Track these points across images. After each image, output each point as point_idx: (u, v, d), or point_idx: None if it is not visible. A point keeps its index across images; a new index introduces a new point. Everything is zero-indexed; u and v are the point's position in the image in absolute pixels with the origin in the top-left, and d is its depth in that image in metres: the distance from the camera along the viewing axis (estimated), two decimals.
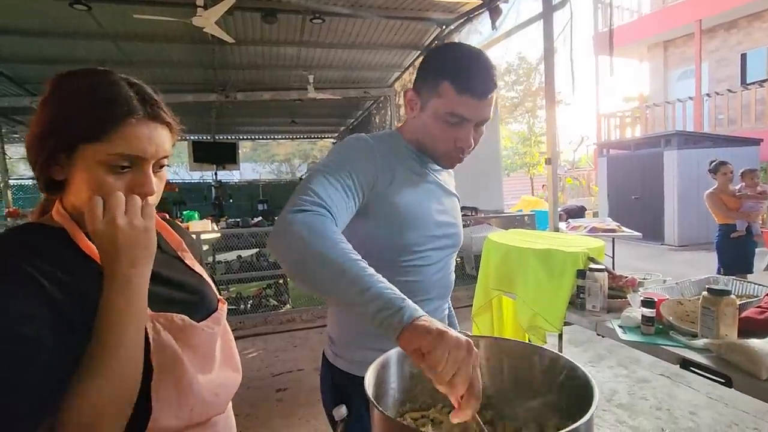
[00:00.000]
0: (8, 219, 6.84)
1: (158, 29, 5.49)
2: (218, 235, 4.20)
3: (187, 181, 14.90)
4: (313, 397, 2.67)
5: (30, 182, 14.96)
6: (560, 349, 2.33)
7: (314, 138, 14.72)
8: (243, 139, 13.47)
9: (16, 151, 14.67)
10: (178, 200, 10.10)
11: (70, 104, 0.64)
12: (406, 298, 0.59)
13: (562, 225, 5.30)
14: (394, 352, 0.68)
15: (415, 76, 0.93)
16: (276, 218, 0.76)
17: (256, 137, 13.99)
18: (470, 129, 0.88)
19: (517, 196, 14.53)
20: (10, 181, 11.26)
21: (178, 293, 0.73)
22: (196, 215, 5.72)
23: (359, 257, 0.65)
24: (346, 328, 0.97)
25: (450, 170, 1.10)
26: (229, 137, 12.67)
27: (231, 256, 4.06)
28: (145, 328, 0.63)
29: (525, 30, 5.22)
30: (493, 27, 5.21)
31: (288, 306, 3.98)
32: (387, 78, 8.18)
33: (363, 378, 0.90)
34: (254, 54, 6.76)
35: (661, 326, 1.52)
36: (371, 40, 6.42)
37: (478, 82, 0.85)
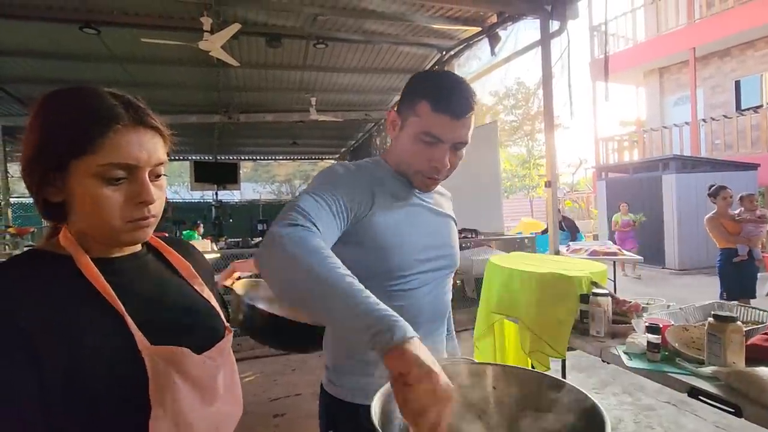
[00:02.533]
0: (7, 237, 6.80)
1: (165, 53, 5.61)
2: (218, 255, 4.18)
3: (187, 201, 14.93)
4: (310, 424, 2.60)
5: (30, 200, 14.92)
6: (564, 375, 2.29)
7: (315, 159, 14.86)
8: (244, 159, 13.60)
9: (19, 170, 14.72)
10: (178, 219, 10.11)
11: (54, 122, 0.62)
12: (398, 316, 0.56)
13: (562, 248, 5.29)
14: None
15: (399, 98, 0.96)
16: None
17: (258, 158, 14.14)
18: (445, 150, 0.88)
19: (516, 218, 14.57)
20: (11, 199, 11.29)
21: (184, 319, 0.71)
22: (196, 235, 5.71)
23: (349, 273, 0.62)
24: (337, 353, 0.96)
25: (444, 192, 1.10)
26: (231, 158, 12.79)
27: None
28: (144, 362, 0.61)
29: (524, 56, 5.34)
30: (492, 53, 5.34)
31: None
32: (388, 101, 8.32)
33: (352, 405, 0.89)
34: (258, 77, 6.89)
35: (666, 353, 1.50)
36: (373, 64, 6.56)
37: (454, 102, 0.86)
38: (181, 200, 15.33)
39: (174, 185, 20.23)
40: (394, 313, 0.56)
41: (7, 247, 6.95)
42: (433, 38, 5.84)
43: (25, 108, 7.95)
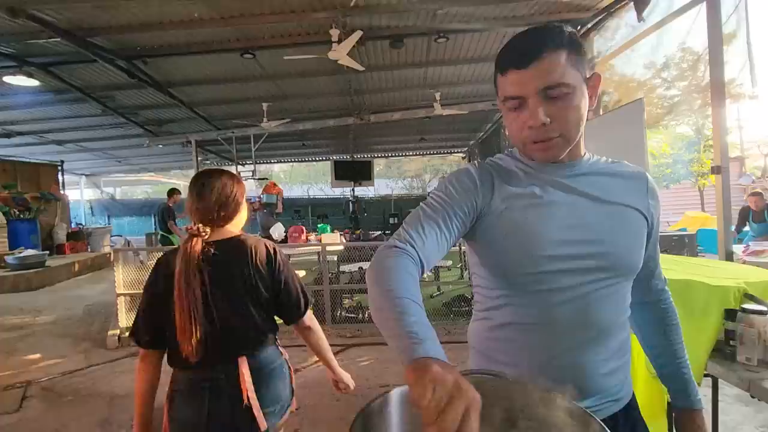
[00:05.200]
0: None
1: (305, 66, 6.32)
2: (341, 247, 4.58)
3: (329, 197, 16.58)
4: None
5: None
6: (715, 406, 1.88)
7: (444, 153, 14.88)
8: (377, 157, 14.42)
9: None
10: (322, 213, 11.31)
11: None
12: (423, 336, 0.57)
13: (737, 248, 4.27)
14: (394, 394, 0.64)
15: None
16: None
17: (389, 155, 14.82)
18: (534, 105, 0.76)
19: (680, 212, 12.18)
20: None
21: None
22: (328, 228, 6.35)
23: (408, 296, 0.64)
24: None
25: (623, 170, 0.87)
26: (365, 156, 13.70)
27: (355, 267, 4.39)
28: None
29: (684, 16, 4.43)
30: (640, 19, 4.56)
31: None
32: None
33: None
34: (383, 78, 7.23)
35: None
36: (498, 51, 6.26)
37: (515, 52, 0.77)
38: (324, 197, 17.09)
39: (319, 183, 22.64)
40: (419, 335, 0.57)
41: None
42: (564, 13, 5.29)
43: (209, 125, 9.87)
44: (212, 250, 1.25)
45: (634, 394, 0.89)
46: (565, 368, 0.78)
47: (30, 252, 7.66)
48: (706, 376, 1.50)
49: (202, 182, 1.32)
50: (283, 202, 8.06)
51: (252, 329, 1.29)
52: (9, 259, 7.31)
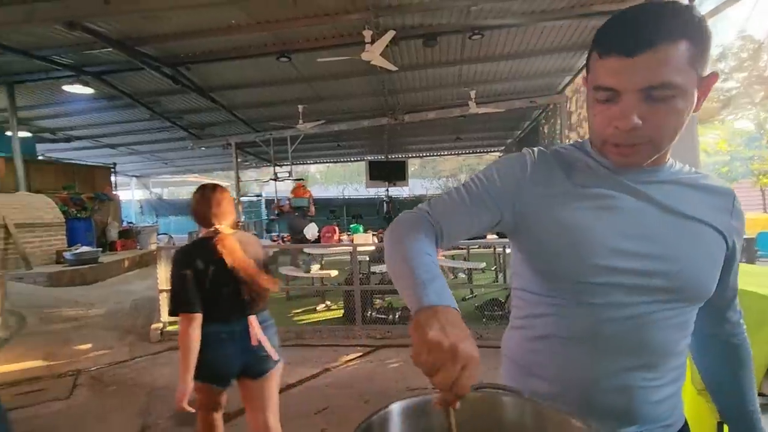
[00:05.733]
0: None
1: (338, 68, 6.38)
2: (373, 248, 4.58)
3: (364, 197, 16.70)
4: None
5: (255, 199, 19.21)
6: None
7: (480, 152, 14.61)
8: (412, 157, 14.37)
9: (247, 175, 19.09)
10: (356, 214, 11.41)
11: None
12: (437, 287, 0.58)
13: None
14: (395, 409, 0.60)
15: None
16: None
17: (424, 155, 14.73)
18: (628, 104, 0.63)
19: None
20: (242, 198, 14.63)
21: None
22: (360, 228, 6.38)
23: (428, 252, 0.66)
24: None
25: (708, 183, 0.75)
26: (400, 156, 13.69)
27: (386, 267, 4.38)
28: None
29: (742, 2, 4.10)
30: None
31: None
32: (556, 84, 7.55)
33: None
34: (417, 78, 7.18)
35: None
36: (535, 46, 6.06)
37: (625, 34, 0.61)
38: (359, 197, 17.23)
39: (354, 183, 22.86)
40: (426, 285, 0.58)
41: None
42: (607, 4, 5.04)
43: (248, 127, 10.20)
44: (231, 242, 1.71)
45: (686, 420, 0.78)
46: (611, 391, 0.70)
47: (85, 249, 8.21)
48: (760, 395, 1.36)
49: (207, 191, 1.76)
50: (314, 203, 8.18)
51: (261, 291, 1.73)
52: (67, 255, 7.87)
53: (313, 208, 8.02)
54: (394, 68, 5.56)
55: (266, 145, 10.50)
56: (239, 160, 12.44)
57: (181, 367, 1.55)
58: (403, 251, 0.66)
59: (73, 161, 11.60)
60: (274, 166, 11.01)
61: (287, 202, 7.98)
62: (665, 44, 0.59)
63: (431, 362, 0.50)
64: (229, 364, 1.66)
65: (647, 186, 0.72)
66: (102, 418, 2.61)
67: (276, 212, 8.79)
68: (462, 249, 6.61)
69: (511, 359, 0.84)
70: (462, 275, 5.78)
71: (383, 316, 4.00)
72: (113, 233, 10.74)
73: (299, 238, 6.93)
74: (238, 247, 1.65)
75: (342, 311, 4.28)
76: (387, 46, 4.99)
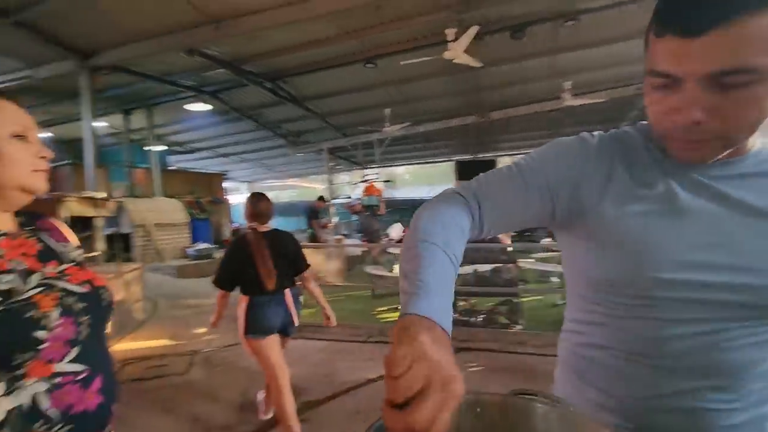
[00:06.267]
0: (326, 228, 9.34)
1: (421, 69, 6.42)
2: None
3: None
4: None
5: (346, 200, 20.10)
6: None
7: None
8: (502, 155, 13.80)
9: (340, 178, 20.10)
10: None
11: None
12: (419, 290, 0.48)
13: None
14: None
15: None
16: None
17: (515, 152, 14.03)
18: (692, 95, 0.51)
19: None
20: (334, 201, 15.41)
21: None
22: None
23: (443, 245, 0.55)
24: None
25: None
26: (489, 155, 13.25)
27: (470, 269, 4.28)
28: None
29: None
30: None
31: (519, 327, 3.83)
32: None
33: None
34: (504, 73, 6.89)
35: None
36: (640, 26, 5.42)
37: (687, 9, 0.50)
38: None
39: (443, 183, 22.69)
40: (424, 287, 0.49)
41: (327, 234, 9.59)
42: None
43: (338, 132, 10.76)
44: (266, 234, 2.21)
45: None
46: (676, 412, 0.61)
47: (204, 245, 9.42)
48: None
49: (254, 199, 2.28)
50: (396, 204, 8.28)
51: (290, 275, 2.25)
52: (189, 251, 9.12)
53: (383, 207, 8.12)
54: (478, 65, 5.42)
55: (355, 149, 10.98)
56: (331, 164, 13.17)
57: (216, 315, 2.32)
58: (416, 239, 0.57)
59: (195, 170, 13.37)
60: (363, 169, 11.47)
61: (358, 202, 8.20)
62: (742, 18, 0.46)
63: (409, 381, 0.39)
64: (274, 321, 2.17)
65: (725, 182, 0.59)
66: (210, 394, 2.97)
67: (351, 213, 9.06)
68: (556, 251, 6.18)
69: (566, 363, 0.75)
70: (555, 279, 5.41)
71: (465, 319, 3.92)
72: (226, 232, 12.13)
73: (370, 237, 7.10)
74: (263, 240, 2.16)
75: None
76: (471, 42, 4.89)
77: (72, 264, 0.70)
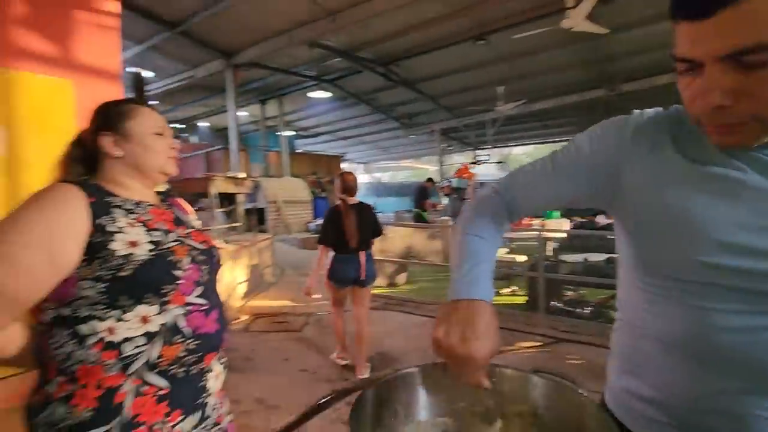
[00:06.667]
0: (435, 209, 9.46)
1: (537, 42, 5.99)
2: (564, 234, 4.20)
3: None
4: None
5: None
6: None
7: None
8: None
9: (453, 159, 19.89)
10: None
11: None
12: (466, 274, 0.60)
13: None
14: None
15: None
16: None
17: None
18: (709, 76, 0.50)
19: None
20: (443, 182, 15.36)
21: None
22: (558, 213, 5.88)
23: (482, 238, 0.67)
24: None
25: None
26: None
27: (579, 257, 3.97)
28: None
29: None
30: None
31: None
32: None
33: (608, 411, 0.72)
34: (638, 37, 6.01)
35: None
36: None
37: None
38: None
39: None
40: (458, 280, 0.60)
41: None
42: None
43: (450, 113, 10.68)
44: (353, 206, 2.79)
45: None
46: (713, 414, 0.58)
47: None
48: None
49: (344, 176, 2.90)
50: (473, 186, 7.90)
51: (368, 238, 2.83)
52: (310, 225, 10.18)
53: (471, 191, 7.80)
54: (604, 31, 4.86)
55: (467, 129, 10.77)
56: (443, 145, 13.15)
57: (313, 271, 2.92)
58: (457, 235, 0.68)
59: (317, 152, 14.64)
60: (474, 150, 11.22)
61: (448, 184, 7.99)
62: (729, 5, 0.45)
63: (447, 343, 0.54)
64: (348, 274, 2.78)
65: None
66: (320, 351, 3.40)
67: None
68: None
69: (615, 352, 0.74)
70: None
71: (571, 309, 3.69)
72: None
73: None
74: (352, 212, 2.76)
75: (526, 298, 4.16)
76: (594, 7, 4.41)
77: (193, 229, 0.95)
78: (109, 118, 0.86)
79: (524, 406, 0.62)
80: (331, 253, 2.80)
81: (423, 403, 0.64)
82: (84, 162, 0.88)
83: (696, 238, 0.56)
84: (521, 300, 4.34)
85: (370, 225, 2.83)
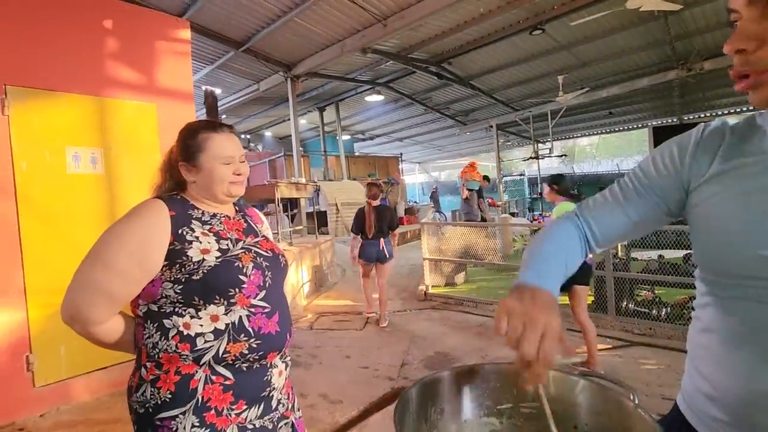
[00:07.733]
0: (493, 207, 9.24)
1: (599, 26, 5.64)
2: None
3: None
4: None
5: (518, 178, 19.16)
6: None
7: None
8: (719, 115, 10.86)
9: (513, 154, 19.25)
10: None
11: None
12: (537, 267, 0.64)
13: None
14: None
15: None
16: None
17: (738, 110, 10.84)
18: (743, 23, 0.55)
19: None
20: (504, 178, 14.94)
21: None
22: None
23: (553, 243, 0.71)
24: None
25: None
26: (700, 116, 10.67)
27: (654, 254, 3.67)
28: None
29: None
30: None
31: None
32: None
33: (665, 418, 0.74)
34: (715, 10, 5.43)
35: None
36: None
37: None
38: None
39: (634, 155, 19.26)
40: (530, 268, 0.65)
41: (494, 212, 9.47)
42: None
43: (507, 107, 10.34)
44: (374, 207, 4.09)
45: None
46: None
47: None
48: None
49: (369, 186, 4.23)
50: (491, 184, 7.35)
51: (384, 230, 4.08)
52: None
53: (470, 194, 7.38)
54: (676, 7, 4.48)
55: (526, 123, 10.37)
56: (501, 140, 12.75)
57: (351, 252, 4.33)
58: (532, 246, 0.71)
59: (374, 154, 14.87)
60: (534, 144, 10.75)
61: (462, 184, 7.62)
62: None
63: (512, 329, 0.53)
64: (372, 254, 4.06)
65: None
66: (379, 350, 3.49)
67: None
68: None
69: (688, 349, 0.75)
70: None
71: (645, 310, 3.44)
72: (401, 210, 13.21)
73: (470, 220, 6.72)
74: (373, 211, 4.02)
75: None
76: None
77: (262, 238, 1.06)
78: (186, 150, 0.99)
79: (570, 408, 0.64)
80: (359, 242, 4.07)
81: (469, 402, 0.68)
82: (173, 180, 1.02)
83: (748, 234, 0.57)
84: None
85: (386, 221, 4.04)
